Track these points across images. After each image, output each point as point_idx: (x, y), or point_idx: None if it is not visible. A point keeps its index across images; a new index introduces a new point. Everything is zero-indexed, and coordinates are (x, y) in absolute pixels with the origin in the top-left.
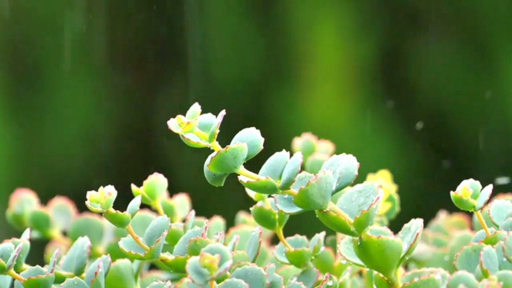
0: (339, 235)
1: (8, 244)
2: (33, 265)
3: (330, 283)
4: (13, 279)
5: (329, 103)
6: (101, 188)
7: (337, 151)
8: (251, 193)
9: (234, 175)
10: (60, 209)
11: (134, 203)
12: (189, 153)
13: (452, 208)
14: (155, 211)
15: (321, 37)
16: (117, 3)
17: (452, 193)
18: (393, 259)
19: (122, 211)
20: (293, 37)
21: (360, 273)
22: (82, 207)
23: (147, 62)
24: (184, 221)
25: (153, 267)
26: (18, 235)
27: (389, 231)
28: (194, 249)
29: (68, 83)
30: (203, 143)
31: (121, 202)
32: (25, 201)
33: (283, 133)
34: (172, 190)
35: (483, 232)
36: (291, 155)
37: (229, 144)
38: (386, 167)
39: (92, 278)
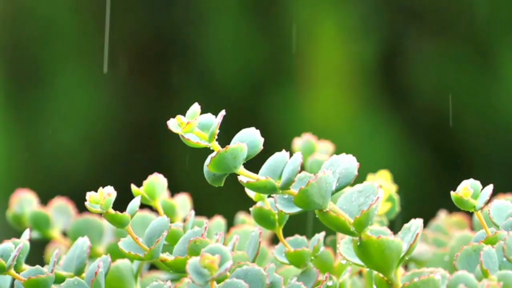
0: (339, 235)
1: (8, 244)
2: (33, 265)
3: (330, 283)
4: (13, 279)
5: (329, 103)
6: (100, 188)
7: (337, 151)
8: (251, 193)
9: (234, 175)
10: (60, 209)
11: (134, 204)
12: (190, 153)
13: (452, 208)
14: (156, 211)
15: (322, 37)
16: (118, 3)
17: (452, 193)
18: (393, 259)
19: (122, 211)
20: (293, 37)
21: (360, 273)
22: (82, 207)
23: (148, 62)
24: (184, 221)
25: (153, 267)
26: (18, 235)
27: (389, 231)
28: (194, 250)
29: (68, 83)
30: (203, 143)
31: (122, 202)
32: (25, 201)
33: (283, 133)
34: (173, 190)
35: (483, 232)
36: (291, 155)
37: (229, 144)
38: (386, 167)
39: (92, 278)
